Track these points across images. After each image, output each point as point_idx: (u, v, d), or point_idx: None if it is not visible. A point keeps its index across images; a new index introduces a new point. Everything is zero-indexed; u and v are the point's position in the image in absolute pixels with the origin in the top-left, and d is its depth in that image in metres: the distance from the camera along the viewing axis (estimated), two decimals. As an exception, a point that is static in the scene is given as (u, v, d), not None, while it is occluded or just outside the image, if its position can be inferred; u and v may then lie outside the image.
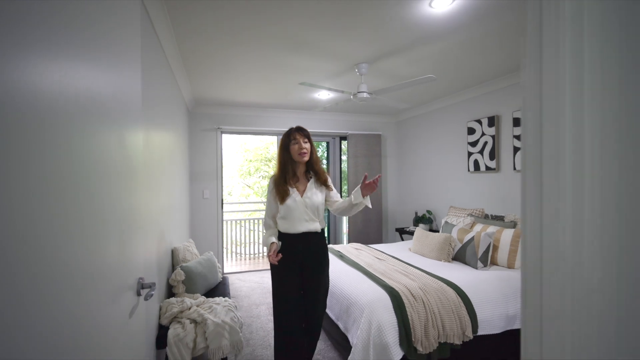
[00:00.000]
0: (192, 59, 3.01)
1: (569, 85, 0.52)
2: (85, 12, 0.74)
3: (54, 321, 0.59)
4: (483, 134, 4.02)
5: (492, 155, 3.89)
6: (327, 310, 2.71)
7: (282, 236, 2.13)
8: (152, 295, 1.11)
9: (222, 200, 5.10)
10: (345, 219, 5.91)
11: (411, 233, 4.77)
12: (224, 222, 5.91)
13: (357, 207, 2.13)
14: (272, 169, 11.16)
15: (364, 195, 2.09)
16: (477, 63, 3.22)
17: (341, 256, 3.40)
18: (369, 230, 5.55)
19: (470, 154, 4.24)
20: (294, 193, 2.10)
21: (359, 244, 4.00)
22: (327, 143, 5.88)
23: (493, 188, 3.95)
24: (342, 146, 5.82)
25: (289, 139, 2.13)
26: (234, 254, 6.65)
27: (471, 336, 2.31)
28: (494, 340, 2.43)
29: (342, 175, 5.89)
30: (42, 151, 0.57)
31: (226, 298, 2.43)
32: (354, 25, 2.39)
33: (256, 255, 6.58)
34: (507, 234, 3.10)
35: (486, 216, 3.76)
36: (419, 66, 3.26)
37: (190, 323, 2.06)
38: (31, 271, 0.53)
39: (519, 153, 3.57)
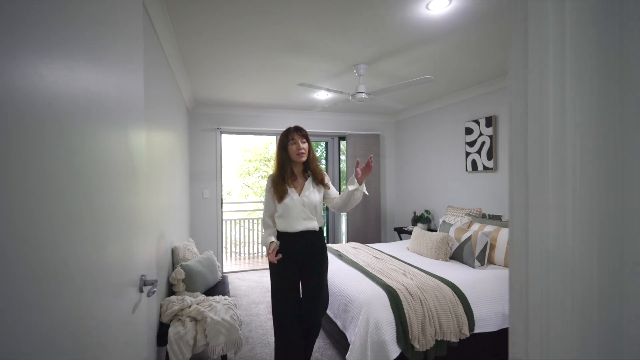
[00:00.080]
0: (192, 58, 3.04)
1: (551, 88, 0.54)
2: (86, 12, 0.74)
3: (60, 317, 0.61)
4: (481, 134, 4.05)
5: (490, 155, 3.92)
6: (326, 309, 2.74)
7: (280, 235, 2.14)
8: (154, 292, 1.13)
9: (221, 200, 5.12)
10: (344, 219, 5.94)
11: (409, 232, 4.80)
12: (224, 222, 5.93)
13: (355, 197, 2.10)
14: (271, 169, 11.17)
15: (360, 181, 2.07)
16: (474, 64, 3.25)
17: (340, 255, 3.43)
18: (368, 229, 5.59)
19: (468, 153, 4.27)
20: (292, 192, 2.11)
21: (358, 243, 4.03)
22: (326, 143, 5.91)
23: (490, 188, 3.98)
24: (341, 146, 5.85)
25: (287, 139, 2.14)
26: (233, 254, 6.68)
27: (468, 334, 2.34)
28: (491, 338, 2.46)
29: (341, 175, 5.92)
30: (47, 152, 0.58)
31: (226, 296, 2.46)
32: (352, 27, 2.41)
33: (255, 254, 6.61)
34: (504, 233, 3.13)
35: (483, 215, 3.79)
36: (417, 67, 3.29)
37: (191, 321, 2.09)
38: (38, 269, 0.54)
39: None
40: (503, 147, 3.82)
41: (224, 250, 5.71)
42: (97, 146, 0.81)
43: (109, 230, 0.87)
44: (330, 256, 3.32)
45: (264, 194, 2.26)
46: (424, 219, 4.75)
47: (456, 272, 2.86)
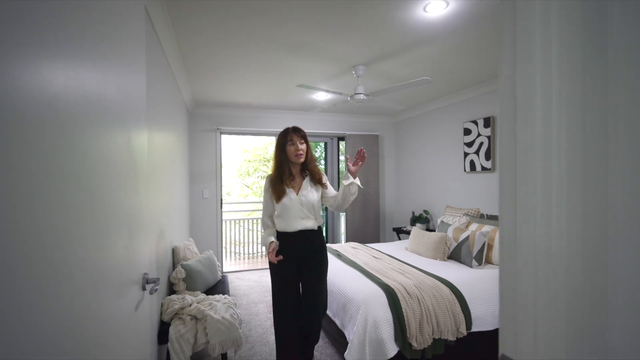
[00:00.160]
0: (191, 59, 3.06)
1: (539, 90, 0.57)
2: (89, 14, 0.76)
3: (64, 315, 0.63)
4: (479, 135, 4.08)
5: (488, 156, 3.95)
6: (325, 308, 2.76)
7: (279, 235, 2.16)
8: (156, 289, 1.16)
9: (221, 200, 5.15)
10: (343, 219, 5.97)
11: (408, 232, 4.83)
12: (223, 222, 5.96)
13: (351, 192, 2.10)
14: (270, 169, 11.19)
15: (354, 174, 2.09)
16: (472, 65, 3.28)
17: (339, 255, 3.45)
18: (367, 229, 5.61)
19: (466, 154, 4.30)
20: (290, 192, 2.13)
21: (357, 243, 4.05)
22: (325, 144, 5.93)
23: (489, 188, 4.01)
24: (340, 147, 5.88)
25: (286, 140, 2.15)
26: (232, 254, 6.70)
27: (465, 333, 2.37)
28: (488, 336, 2.49)
29: (340, 176, 5.95)
30: (51, 152, 0.59)
31: (226, 295, 2.48)
32: (351, 28, 2.44)
33: (254, 254, 6.64)
34: (502, 233, 3.16)
35: (481, 216, 3.82)
36: (416, 68, 3.32)
37: (191, 319, 2.11)
38: (41, 269, 0.56)
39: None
40: (501, 147, 3.84)
41: (223, 250, 5.74)
42: (100, 146, 0.82)
43: (112, 230, 0.90)
44: (329, 256, 3.34)
45: (263, 194, 2.28)
46: (423, 219, 4.78)
47: (454, 272, 2.89)
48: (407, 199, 5.61)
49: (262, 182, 11.80)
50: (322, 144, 6.30)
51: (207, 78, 3.63)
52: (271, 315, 3.43)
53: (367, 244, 4.17)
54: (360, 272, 2.85)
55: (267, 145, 11.74)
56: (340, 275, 2.86)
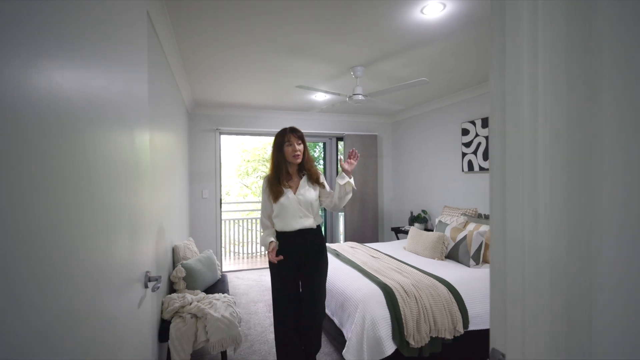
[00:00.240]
0: (191, 59, 3.07)
1: (526, 95, 0.60)
2: (93, 19, 0.78)
3: (75, 309, 0.66)
4: (477, 135, 4.11)
5: (486, 156, 3.98)
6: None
7: (279, 235, 2.17)
8: (158, 287, 1.18)
9: (220, 200, 5.17)
10: (341, 219, 5.99)
11: (406, 232, 4.86)
12: (222, 222, 5.98)
13: (346, 192, 2.14)
14: (268, 169, 11.20)
15: (349, 173, 2.13)
16: (470, 66, 3.31)
17: (337, 254, 3.48)
18: (365, 229, 5.64)
19: (464, 154, 4.33)
20: (287, 191, 2.14)
21: (355, 243, 4.08)
22: (324, 144, 5.96)
23: (486, 188, 4.03)
24: (339, 146, 5.91)
25: (283, 140, 2.16)
26: (231, 253, 6.73)
27: (462, 331, 2.39)
28: (485, 335, 2.51)
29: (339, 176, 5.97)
30: (60, 154, 0.63)
31: (225, 294, 2.51)
32: (349, 30, 2.47)
33: (254, 254, 6.66)
34: (499, 233, 3.19)
35: (479, 215, 3.85)
36: (414, 68, 3.34)
37: (191, 317, 2.14)
38: (57, 265, 0.59)
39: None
40: (498, 148, 3.87)
41: (222, 249, 5.76)
42: (104, 147, 0.84)
43: (115, 229, 0.92)
44: (328, 255, 3.37)
45: (261, 195, 2.29)
46: (421, 219, 4.81)
47: (451, 271, 2.92)
48: (406, 198, 5.64)
49: (261, 182, 11.81)
50: (321, 144, 6.33)
51: (206, 78, 3.65)
52: (270, 314, 3.46)
53: (365, 244, 4.19)
54: (359, 272, 2.88)
55: (266, 146, 11.77)
56: (338, 275, 2.89)
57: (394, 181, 6.01)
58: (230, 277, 4.92)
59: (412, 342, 2.25)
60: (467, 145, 4.27)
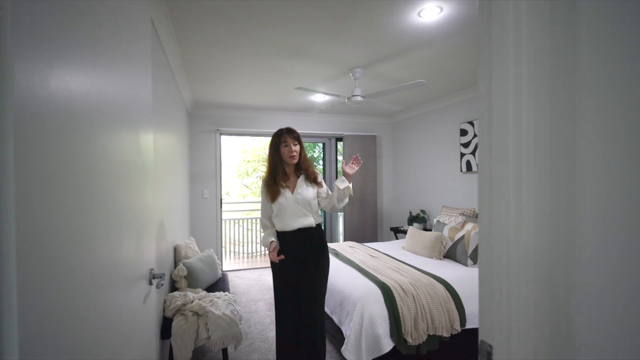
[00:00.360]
0: (192, 60, 3.10)
1: (511, 99, 0.64)
2: (100, 23, 0.80)
3: (87, 304, 0.70)
4: (475, 136, 4.15)
5: (483, 157, 4.02)
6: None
7: (279, 235, 2.18)
8: (162, 284, 1.23)
9: (220, 200, 5.21)
10: (341, 219, 6.03)
11: (405, 232, 4.89)
12: (223, 222, 6.02)
13: (345, 195, 2.16)
14: (266, 170, 11.23)
15: (350, 177, 2.14)
16: (468, 67, 3.34)
17: (336, 254, 3.52)
18: (365, 229, 5.68)
19: (462, 154, 4.37)
20: (285, 191, 2.16)
21: (354, 243, 4.12)
22: (323, 144, 6.00)
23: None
24: (338, 147, 5.95)
25: (280, 141, 2.20)
26: (232, 253, 6.77)
27: (459, 329, 2.43)
28: (481, 332, 2.55)
29: (338, 176, 6.02)
30: (74, 153, 0.67)
31: (226, 292, 2.55)
32: (348, 32, 2.51)
33: (254, 253, 6.70)
34: (496, 232, 3.22)
35: (477, 215, 3.88)
36: (412, 70, 3.38)
37: (193, 315, 2.18)
38: (68, 264, 0.63)
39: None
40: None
41: (223, 249, 5.80)
42: (113, 149, 0.88)
43: (124, 228, 0.96)
44: (327, 254, 3.41)
45: (261, 196, 2.32)
46: (420, 219, 4.85)
47: (449, 270, 2.96)
48: (405, 198, 5.68)
49: (261, 183, 11.83)
50: (321, 145, 6.37)
51: (206, 79, 3.69)
52: (270, 313, 3.51)
53: (364, 243, 4.24)
54: (358, 271, 2.92)
55: (266, 146, 11.76)
56: (338, 274, 2.93)
57: (393, 181, 6.05)
58: (231, 276, 4.96)
59: (409, 340, 2.29)
60: (466, 145, 4.31)
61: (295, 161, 2.19)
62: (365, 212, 5.67)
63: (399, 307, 2.34)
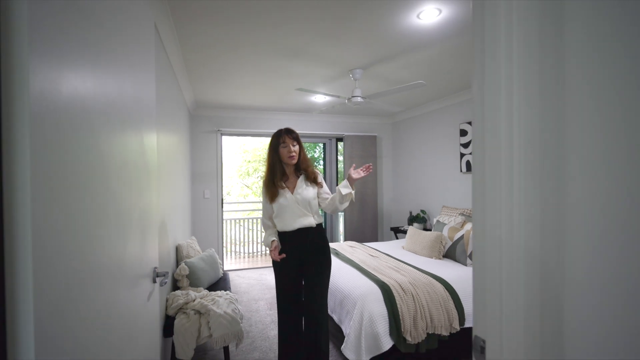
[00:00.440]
0: (193, 60, 3.12)
1: (503, 103, 0.66)
2: (106, 26, 0.83)
3: (93, 302, 0.73)
4: (474, 136, 4.16)
5: (483, 157, 4.04)
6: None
7: (280, 235, 2.20)
8: (166, 282, 1.25)
9: (222, 200, 5.24)
10: (341, 219, 6.05)
11: (405, 232, 4.92)
12: (224, 221, 6.05)
13: (346, 199, 2.15)
14: (265, 171, 11.25)
15: (352, 184, 2.13)
16: (467, 67, 3.36)
17: (336, 254, 3.55)
18: (365, 229, 5.70)
19: (462, 155, 4.39)
20: (284, 192, 2.17)
21: (354, 242, 4.14)
22: (324, 144, 6.03)
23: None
24: (339, 147, 5.97)
25: (279, 141, 2.21)
26: (233, 252, 6.80)
27: (458, 328, 2.46)
28: (480, 331, 2.57)
29: (339, 176, 6.04)
30: (84, 154, 0.70)
31: (227, 291, 2.57)
32: (348, 33, 2.53)
33: (255, 253, 6.73)
34: (495, 232, 3.25)
35: (476, 215, 3.90)
36: (412, 71, 3.41)
37: (195, 314, 2.20)
38: (79, 263, 0.66)
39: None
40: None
41: (224, 249, 5.83)
42: (120, 149, 0.91)
43: (129, 227, 0.99)
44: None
45: (262, 197, 2.33)
46: (420, 219, 4.87)
47: (448, 270, 2.98)
48: (405, 199, 5.71)
49: (262, 183, 11.85)
50: (321, 145, 6.39)
51: (208, 80, 3.71)
52: (271, 312, 3.53)
53: (364, 243, 4.26)
54: (357, 270, 2.94)
55: (267, 146, 11.80)
56: (337, 273, 2.95)
57: (393, 181, 6.07)
58: (232, 276, 4.99)
59: (409, 338, 2.31)
60: (466, 145, 4.33)
61: (295, 161, 2.21)
62: (365, 212, 5.70)
63: (398, 306, 2.37)
